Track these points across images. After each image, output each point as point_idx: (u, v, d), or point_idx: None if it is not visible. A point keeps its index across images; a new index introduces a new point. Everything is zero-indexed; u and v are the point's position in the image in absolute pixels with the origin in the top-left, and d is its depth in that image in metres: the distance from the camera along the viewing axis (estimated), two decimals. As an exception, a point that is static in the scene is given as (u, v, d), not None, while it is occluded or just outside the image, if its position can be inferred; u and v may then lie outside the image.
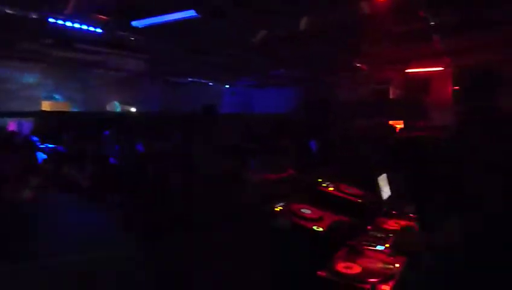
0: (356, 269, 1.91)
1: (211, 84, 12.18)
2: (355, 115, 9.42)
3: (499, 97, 8.08)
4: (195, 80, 11.67)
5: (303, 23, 6.76)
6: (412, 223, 2.67)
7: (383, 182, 3.40)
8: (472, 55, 8.70)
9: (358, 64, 9.58)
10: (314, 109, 10.37)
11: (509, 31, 6.57)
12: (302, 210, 2.16)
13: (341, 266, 1.93)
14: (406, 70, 10.75)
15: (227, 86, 12.50)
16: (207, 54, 8.68)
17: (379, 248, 2.22)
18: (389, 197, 3.39)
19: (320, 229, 1.99)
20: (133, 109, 11.84)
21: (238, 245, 2.07)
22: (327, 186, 2.71)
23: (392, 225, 2.64)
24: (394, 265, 1.95)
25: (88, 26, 6.72)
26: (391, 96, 11.43)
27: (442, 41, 7.57)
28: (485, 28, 6.78)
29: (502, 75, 8.28)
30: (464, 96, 9.52)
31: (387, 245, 2.25)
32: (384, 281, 1.80)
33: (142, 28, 6.79)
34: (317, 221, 2.08)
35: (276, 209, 2.16)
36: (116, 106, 11.55)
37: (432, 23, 6.50)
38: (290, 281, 1.95)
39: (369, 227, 2.59)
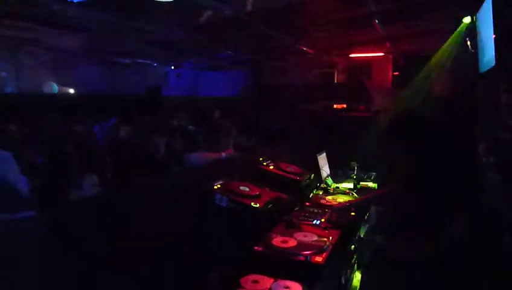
0: (292, 242, 1.96)
1: (155, 65, 11.79)
2: (302, 98, 9.60)
3: (432, 82, 8.56)
4: (138, 60, 11.23)
5: (249, 4, 6.69)
6: (348, 200, 2.77)
7: (322, 160, 3.51)
8: (410, 42, 9.12)
9: (304, 48, 9.69)
10: (260, 91, 10.45)
11: (441, 18, 6.94)
12: (241, 187, 2.17)
13: (277, 241, 1.97)
14: (350, 55, 11.06)
15: (172, 68, 12.16)
16: (150, 34, 8.36)
17: (315, 222, 2.29)
18: (328, 175, 3.50)
19: (258, 205, 2.01)
20: (72, 91, 11.21)
21: (177, 222, 2.04)
22: (267, 165, 2.74)
23: (329, 201, 2.74)
24: (328, 238, 2.02)
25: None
26: (336, 81, 11.74)
27: (382, 27, 7.84)
28: (421, 15, 7.11)
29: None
30: (401, 82, 10.00)
31: (323, 220, 2.33)
32: (318, 253, 1.86)
33: (80, 3, 6.36)
34: (255, 198, 2.10)
35: (215, 186, 2.14)
36: (53, 88, 10.87)
37: (373, 9, 6.69)
38: (228, 256, 1.95)
39: (307, 203, 2.67)
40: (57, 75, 10.86)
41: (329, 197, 2.78)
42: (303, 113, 7.99)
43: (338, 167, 3.76)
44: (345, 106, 9.56)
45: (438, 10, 6.72)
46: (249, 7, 6.69)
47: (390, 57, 10.89)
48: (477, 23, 4.60)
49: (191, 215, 2.03)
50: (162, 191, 2.08)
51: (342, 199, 2.77)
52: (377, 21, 7.35)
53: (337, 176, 3.58)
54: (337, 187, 3.17)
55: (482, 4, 4.19)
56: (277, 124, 6.37)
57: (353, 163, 3.70)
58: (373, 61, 11.25)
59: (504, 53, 3.65)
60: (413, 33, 8.60)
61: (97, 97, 9.06)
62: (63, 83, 10.99)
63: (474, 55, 4.75)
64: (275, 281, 1.68)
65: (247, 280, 1.69)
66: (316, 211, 2.50)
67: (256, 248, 1.91)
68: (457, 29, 5.43)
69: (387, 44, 9.75)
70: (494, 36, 3.92)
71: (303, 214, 2.44)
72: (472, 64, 4.77)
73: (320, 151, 3.59)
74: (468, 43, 4.96)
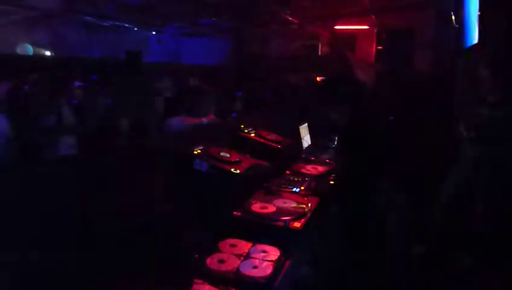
0: (271, 208, 1.97)
1: (135, 30, 11.38)
2: (285, 69, 9.51)
3: (413, 58, 8.63)
4: (118, 24, 10.81)
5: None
6: (327, 168, 2.80)
7: (304, 130, 3.51)
8: (393, 15, 9.09)
9: (289, 18, 9.53)
10: (243, 60, 10.30)
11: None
12: (221, 153, 2.14)
13: (257, 207, 1.98)
14: (334, 28, 10.95)
15: (153, 33, 11.78)
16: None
17: (295, 190, 2.31)
18: (309, 145, 3.52)
19: (238, 171, 2.00)
20: (48, 53, 10.76)
21: (155, 186, 2.02)
22: (248, 132, 2.72)
23: (309, 169, 2.76)
24: (307, 205, 2.05)
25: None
26: (319, 53, 11.65)
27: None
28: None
29: (416, 37, 8.80)
30: (383, 56, 10.02)
31: (302, 187, 2.35)
32: (297, 219, 1.88)
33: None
34: (236, 164, 2.08)
35: (195, 152, 2.12)
36: (28, 49, 10.39)
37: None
38: (209, 221, 1.95)
39: (287, 171, 2.69)
40: (32, 36, 10.37)
41: (308, 166, 2.80)
42: (286, 84, 7.94)
43: (319, 137, 3.78)
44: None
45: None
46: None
47: (375, 31, 10.84)
48: (462, -2, 4.59)
49: (170, 180, 2.01)
50: (141, 155, 2.04)
51: (321, 167, 2.79)
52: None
53: (318, 146, 3.60)
54: (317, 157, 3.20)
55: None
56: (259, 93, 6.32)
57: (333, 134, 3.72)
58: (357, 34, 11.17)
59: (487, 29, 3.66)
60: (398, 6, 8.56)
61: (75, 60, 8.73)
62: (38, 44, 10.52)
63: (458, 30, 4.77)
64: (253, 245, 1.70)
65: (226, 244, 1.70)
66: (296, 179, 2.52)
67: (235, 213, 1.92)
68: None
69: (372, 17, 9.69)
70: (478, 13, 3.93)
71: (283, 181, 2.46)
72: (456, 40, 4.80)
73: (301, 122, 3.59)
74: (453, 18, 4.96)
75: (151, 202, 1.91)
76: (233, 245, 1.70)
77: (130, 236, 1.73)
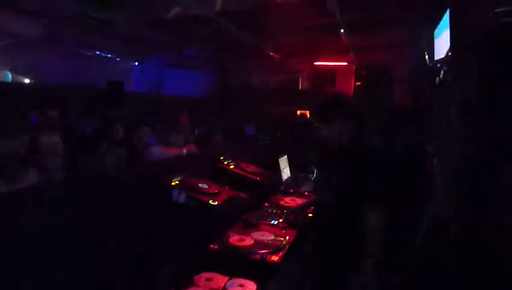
0: (249, 241, 1.95)
1: (118, 60, 11.43)
2: (266, 102, 9.67)
3: (391, 93, 8.90)
4: (100, 54, 10.85)
5: (218, 4, 6.66)
6: (306, 201, 2.80)
7: (283, 162, 3.54)
8: (371, 53, 9.44)
9: (271, 53, 9.77)
10: (225, 92, 10.42)
11: (400, 33, 7.25)
12: (200, 185, 2.14)
13: (234, 239, 1.95)
14: (315, 63, 11.27)
15: (136, 64, 11.84)
16: (114, 27, 8.10)
17: (273, 222, 2.30)
18: (289, 177, 3.53)
19: (216, 203, 1.99)
20: (27, 80, 10.65)
21: (131, 217, 1.98)
22: (228, 164, 2.72)
23: (288, 201, 2.76)
24: (285, 237, 2.03)
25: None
26: (300, 87, 11.91)
27: (346, 37, 8.05)
28: (382, 28, 7.39)
29: (394, 73, 9.13)
30: (362, 91, 10.31)
31: (280, 220, 2.34)
32: (274, 252, 1.86)
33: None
34: (214, 195, 2.07)
35: (173, 183, 2.10)
36: (7, 76, 10.27)
37: (338, 19, 6.86)
38: (184, 253, 1.91)
39: (266, 203, 2.68)
40: (12, 63, 10.28)
41: (287, 199, 2.80)
42: (267, 116, 8.05)
43: (299, 170, 3.81)
44: (307, 112, 9.73)
45: (398, 24, 7.01)
46: (218, 7, 6.66)
47: (353, 67, 11.20)
48: (435, 38, 4.82)
49: (147, 211, 1.97)
50: (119, 184, 2.01)
51: (300, 200, 2.79)
52: (342, 31, 7.55)
53: (297, 179, 3.61)
54: (296, 189, 3.20)
55: (439, 20, 4.39)
56: (241, 126, 6.37)
57: (313, 166, 3.75)
58: (337, 70, 11.51)
59: (458, 68, 3.83)
60: (375, 45, 8.92)
61: (54, 88, 8.65)
62: (18, 72, 10.42)
63: (432, 68, 4.97)
64: (230, 279, 1.66)
65: (201, 278, 1.66)
66: (274, 211, 2.51)
67: (212, 245, 1.88)
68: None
69: (351, 54, 10.03)
70: (450, 53, 4.12)
71: (262, 214, 2.44)
72: (429, 77, 4.99)
73: (281, 154, 3.62)
74: (426, 56, 5.19)
75: (125, 233, 1.87)
76: (209, 279, 1.66)
77: (103, 271, 1.67)
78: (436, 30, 4.64)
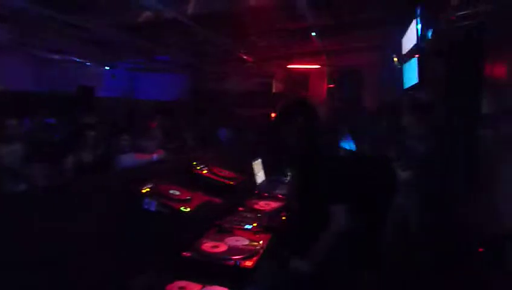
0: (222, 247, 1.93)
1: (88, 64, 11.16)
2: (239, 105, 9.66)
3: (362, 97, 9.09)
4: (69, 58, 10.56)
5: (190, 7, 6.61)
6: (280, 204, 2.80)
7: (258, 166, 3.53)
8: (344, 56, 9.59)
9: (243, 56, 9.77)
10: (198, 96, 10.36)
11: (370, 36, 7.40)
12: (171, 191, 2.09)
13: (207, 246, 1.93)
14: (288, 66, 11.35)
15: (107, 68, 11.60)
16: (84, 31, 7.91)
17: (247, 227, 2.29)
18: (263, 180, 3.53)
19: (188, 209, 1.95)
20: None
21: (101, 227, 1.92)
22: (201, 169, 2.69)
23: (263, 205, 2.75)
24: (259, 242, 2.02)
25: None
26: (274, 90, 11.96)
27: (318, 41, 8.15)
28: (353, 31, 7.52)
29: (364, 76, 9.32)
30: (335, 94, 10.46)
31: (255, 224, 2.32)
32: (248, 257, 1.84)
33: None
34: (186, 202, 2.03)
35: (143, 190, 2.05)
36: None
37: (310, 23, 6.93)
38: (155, 262, 1.87)
39: (240, 208, 2.66)
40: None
41: (261, 203, 2.79)
42: (240, 120, 8.04)
43: (273, 173, 3.81)
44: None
45: (368, 28, 7.15)
46: (190, 10, 6.61)
47: (326, 70, 11.35)
48: (403, 41, 4.95)
49: (116, 220, 1.92)
50: (87, 193, 1.95)
51: (274, 203, 2.79)
52: (313, 34, 7.63)
53: (272, 182, 3.62)
54: (270, 193, 3.20)
55: (408, 24, 4.52)
56: (214, 130, 6.34)
57: (287, 170, 3.76)
58: (310, 73, 11.63)
59: (426, 71, 3.95)
60: (347, 48, 9.06)
61: (21, 94, 8.36)
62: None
63: (400, 71, 5.11)
64: (203, 287, 1.64)
65: (174, 287, 1.63)
66: (248, 215, 2.49)
67: (185, 253, 1.85)
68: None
69: (323, 57, 10.16)
70: (417, 56, 4.24)
71: (236, 218, 2.43)
72: (398, 80, 5.13)
73: (255, 158, 3.61)
74: (395, 59, 5.32)
75: (93, 244, 1.81)
76: (182, 288, 1.62)
77: (70, 284, 1.61)
78: (404, 33, 4.76)
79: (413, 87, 4.25)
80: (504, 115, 3.20)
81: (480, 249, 2.80)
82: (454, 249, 2.94)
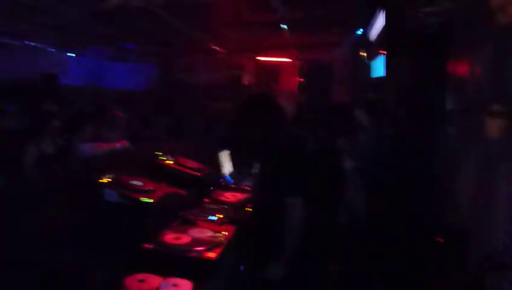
0: (185, 239, 1.89)
1: (52, 50, 10.69)
2: (209, 96, 9.55)
3: (331, 92, 9.19)
4: (32, 44, 10.08)
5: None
6: (247, 195, 2.79)
7: (225, 157, 3.49)
8: (314, 51, 9.66)
9: (214, 47, 9.67)
10: (167, 86, 10.16)
11: (339, 31, 7.48)
12: (133, 182, 2.03)
13: (170, 237, 1.88)
14: (259, 59, 11.32)
15: (72, 55, 11.16)
16: (47, 16, 7.56)
17: (212, 218, 2.26)
18: (230, 172, 3.50)
19: (151, 200, 1.90)
20: None
21: (60, 218, 1.85)
22: (166, 160, 2.63)
23: (229, 197, 2.72)
24: (223, 234, 2.00)
25: None
26: (244, 82, 11.91)
27: (289, 34, 8.16)
28: (323, 26, 7.58)
29: (334, 72, 9.43)
30: (306, 88, 10.53)
31: (220, 216, 2.30)
32: (211, 248, 1.82)
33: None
34: (148, 193, 1.98)
35: (104, 180, 1.98)
36: None
37: (281, 16, 6.92)
38: (116, 254, 1.82)
39: (206, 199, 2.62)
40: None
41: (228, 194, 2.77)
42: (209, 111, 7.97)
43: (241, 165, 3.78)
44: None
45: (337, 23, 7.23)
46: (159, -1, 6.45)
47: (297, 63, 11.40)
48: (371, 37, 5.03)
49: (75, 211, 1.85)
50: (43, 183, 1.87)
51: (240, 195, 2.77)
52: (285, 28, 7.63)
53: (239, 174, 3.59)
54: (237, 184, 3.18)
55: (375, 20, 4.58)
56: (182, 121, 6.25)
57: (254, 162, 3.74)
58: (281, 66, 11.65)
59: (391, 65, 4.02)
60: (318, 42, 9.13)
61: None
62: None
63: (368, 65, 5.19)
64: (164, 279, 1.60)
65: (133, 280, 1.58)
66: (214, 207, 2.46)
67: (146, 245, 1.80)
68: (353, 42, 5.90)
69: (294, 51, 10.20)
70: (384, 52, 4.32)
71: (201, 210, 2.39)
72: (366, 73, 5.21)
73: (223, 149, 3.57)
74: (364, 54, 5.40)
75: (51, 236, 1.74)
76: (141, 280, 1.58)
77: (27, 276, 1.55)
78: (372, 29, 4.83)
79: (372, 83, 4.34)
80: (466, 112, 3.32)
81: (440, 239, 2.90)
82: (412, 240, 3.04)
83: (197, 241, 1.86)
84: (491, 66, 3.01)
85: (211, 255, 1.76)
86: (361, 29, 5.32)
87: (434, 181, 3.33)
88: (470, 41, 3.25)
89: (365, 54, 5.42)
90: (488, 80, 3.10)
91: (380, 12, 4.17)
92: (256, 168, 3.57)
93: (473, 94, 3.30)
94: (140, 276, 1.59)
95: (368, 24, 5.04)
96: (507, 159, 2.78)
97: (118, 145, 2.69)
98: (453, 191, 3.28)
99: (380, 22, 4.30)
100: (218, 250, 1.82)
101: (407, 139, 3.52)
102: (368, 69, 5.28)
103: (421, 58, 3.51)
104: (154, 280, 1.58)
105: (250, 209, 2.45)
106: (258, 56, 11.02)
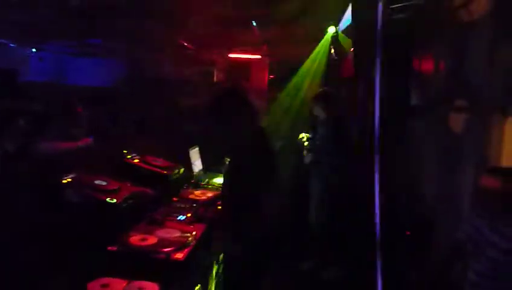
0: (152, 240, 1.82)
1: (11, 46, 10.21)
2: (179, 93, 9.37)
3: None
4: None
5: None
6: (217, 193, 2.73)
7: (195, 154, 3.43)
8: (284, 47, 9.66)
9: (184, 43, 9.49)
10: (135, 83, 9.91)
11: (310, 27, 7.51)
12: (97, 182, 1.95)
13: (136, 239, 1.81)
14: (229, 55, 11.23)
15: (33, 50, 10.68)
16: (6, 9, 7.20)
17: (180, 218, 2.20)
18: (200, 169, 3.44)
19: (114, 200, 1.82)
20: None
21: (16, 221, 1.74)
22: (132, 158, 2.54)
23: (198, 195, 2.67)
24: (192, 233, 1.94)
25: None
26: (215, 79, 11.79)
27: (260, 30, 8.12)
28: (293, 22, 7.58)
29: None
30: (275, 85, 10.54)
31: (189, 215, 2.24)
32: (179, 249, 1.76)
33: None
34: (113, 193, 1.90)
35: (65, 180, 1.88)
36: None
37: (251, 11, 6.87)
38: (78, 258, 1.73)
39: (174, 198, 2.56)
40: None
41: (197, 192, 2.71)
42: (178, 108, 7.84)
43: (211, 162, 3.72)
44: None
45: (307, 19, 7.25)
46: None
47: (267, 60, 11.39)
48: (339, 33, 5.07)
49: (32, 213, 1.75)
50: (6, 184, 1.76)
51: (210, 193, 2.72)
52: (254, 24, 7.59)
53: (210, 171, 3.53)
54: (207, 182, 3.13)
55: (343, 16, 4.62)
56: (150, 117, 6.10)
57: (226, 158, 3.69)
58: (251, 63, 11.59)
59: (359, 63, 4.05)
60: (287, 39, 9.14)
61: None
62: None
63: (338, 61, 5.22)
64: (129, 283, 1.53)
65: (96, 285, 1.50)
66: (183, 206, 2.40)
67: (110, 247, 1.72)
68: (323, 38, 5.92)
69: (265, 47, 10.17)
70: (352, 49, 4.35)
71: (169, 209, 2.32)
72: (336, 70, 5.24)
73: (192, 146, 3.50)
74: (332, 51, 5.43)
75: (9, 237, 1.64)
76: (105, 285, 1.51)
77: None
78: (340, 25, 4.86)
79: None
80: (429, 107, 3.39)
81: (407, 232, 2.95)
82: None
83: (164, 242, 1.79)
84: (455, 61, 3.09)
85: (179, 255, 1.71)
86: (332, 26, 5.34)
87: (399, 175, 3.40)
88: (435, 37, 3.32)
89: (334, 51, 5.45)
90: (451, 75, 3.18)
91: (347, 8, 4.20)
92: (225, 165, 3.54)
93: (437, 89, 3.38)
94: (104, 280, 1.52)
95: (338, 20, 5.07)
96: (470, 152, 2.86)
97: (82, 143, 2.57)
98: (418, 184, 3.37)
99: (348, 19, 4.34)
100: (186, 250, 1.76)
101: (374, 133, 3.59)
102: (337, 65, 5.32)
103: (388, 55, 3.56)
104: (118, 284, 1.51)
105: (220, 207, 2.40)
106: (229, 52, 10.93)
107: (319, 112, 3.76)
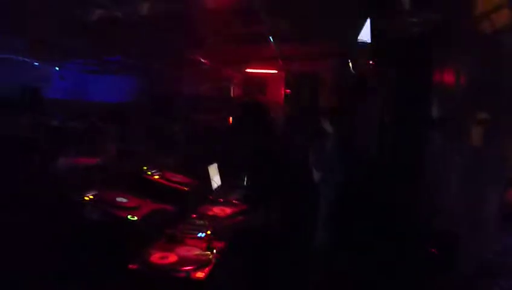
0: (172, 258, 1.81)
1: (35, 64, 10.53)
2: (197, 109, 9.46)
3: (319, 100, 9.21)
4: (13, 57, 9.91)
5: (144, 7, 6.40)
6: (236, 210, 2.71)
7: (213, 171, 3.42)
8: (300, 62, 9.69)
9: (201, 59, 9.62)
10: (153, 99, 10.06)
11: (326, 42, 7.53)
12: (118, 199, 1.95)
13: (156, 257, 1.80)
14: (246, 71, 11.32)
15: (56, 69, 11.00)
16: (32, 29, 7.45)
17: (200, 235, 2.18)
18: (219, 186, 3.43)
19: (135, 218, 1.82)
20: None
21: (39, 238, 1.75)
22: (152, 174, 2.55)
23: (218, 212, 2.65)
24: (212, 251, 1.92)
25: None
26: (232, 95, 11.88)
27: (276, 46, 8.17)
28: (310, 37, 7.60)
29: (321, 81, 9.47)
30: (292, 98, 10.55)
31: (208, 232, 2.22)
32: (200, 268, 1.74)
33: None
34: (134, 210, 1.90)
35: (86, 198, 1.89)
36: None
37: (268, 27, 6.93)
38: (100, 276, 1.73)
39: (193, 215, 2.54)
40: None
41: (216, 209, 2.69)
42: (197, 124, 7.89)
43: (230, 178, 3.71)
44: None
45: (324, 34, 7.27)
46: (144, 10, 6.40)
47: (284, 75, 11.43)
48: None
49: (53, 232, 1.76)
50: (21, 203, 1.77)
51: (229, 209, 2.70)
52: (271, 39, 7.64)
53: (228, 187, 3.52)
54: (226, 198, 3.11)
55: (361, 30, 4.61)
56: (169, 133, 6.16)
57: (244, 174, 3.68)
58: (268, 78, 11.66)
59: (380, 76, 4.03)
60: (304, 54, 9.17)
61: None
62: None
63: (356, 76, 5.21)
64: (150, 302, 1.51)
65: (117, 303, 1.49)
66: (202, 223, 2.38)
67: (131, 265, 1.71)
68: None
69: (280, 62, 10.23)
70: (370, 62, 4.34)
71: (188, 226, 2.30)
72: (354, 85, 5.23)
73: (211, 162, 3.50)
74: (350, 65, 5.42)
75: (28, 258, 1.64)
76: (126, 304, 1.49)
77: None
78: (360, 39, 4.85)
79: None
80: (450, 119, 3.32)
81: (433, 250, 2.86)
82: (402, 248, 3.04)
83: (184, 261, 1.77)
84: (476, 74, 3.03)
85: (199, 274, 1.68)
86: (350, 40, 5.34)
87: (420, 187, 3.33)
88: (456, 50, 3.27)
89: (351, 65, 5.44)
90: (472, 88, 3.12)
91: (367, 23, 4.19)
92: (245, 181, 3.52)
93: (458, 102, 3.32)
94: (125, 299, 1.51)
95: (356, 35, 5.07)
96: (493, 166, 2.78)
97: (101, 159, 2.60)
98: (440, 197, 3.28)
99: (366, 32, 4.32)
100: (207, 269, 1.74)
101: (393, 146, 3.53)
102: (353, 79, 5.30)
103: (407, 67, 3.53)
104: (139, 303, 1.49)
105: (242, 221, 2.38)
106: (245, 68, 11.02)
107: (326, 124, 3.72)
